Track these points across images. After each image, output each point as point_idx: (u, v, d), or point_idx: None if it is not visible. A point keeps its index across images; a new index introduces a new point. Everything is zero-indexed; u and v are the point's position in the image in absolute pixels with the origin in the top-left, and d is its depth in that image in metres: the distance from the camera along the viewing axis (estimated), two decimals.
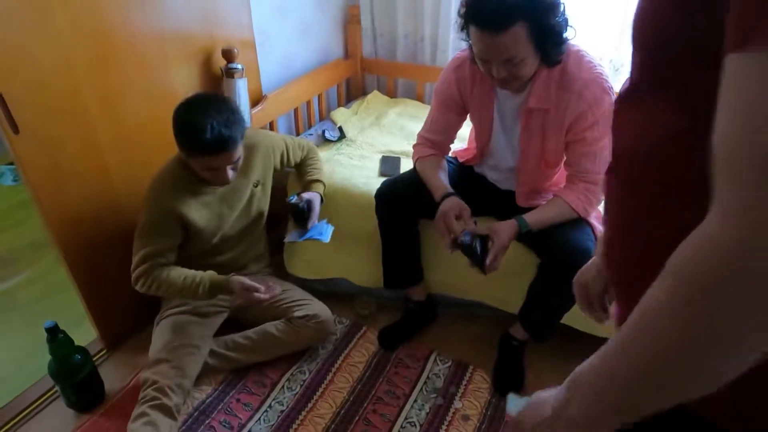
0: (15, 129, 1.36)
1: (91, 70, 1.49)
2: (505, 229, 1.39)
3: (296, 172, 1.91)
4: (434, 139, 1.64)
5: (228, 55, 1.83)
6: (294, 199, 1.72)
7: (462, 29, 1.30)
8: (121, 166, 1.66)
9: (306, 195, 1.74)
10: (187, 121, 1.37)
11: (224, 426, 1.52)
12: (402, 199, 1.64)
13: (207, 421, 1.53)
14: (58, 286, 2.11)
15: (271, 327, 1.67)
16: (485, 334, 1.81)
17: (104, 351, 1.79)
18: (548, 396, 0.59)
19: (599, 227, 1.50)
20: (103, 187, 1.63)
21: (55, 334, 1.46)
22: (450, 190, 1.54)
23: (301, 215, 1.71)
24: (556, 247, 1.41)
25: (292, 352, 1.72)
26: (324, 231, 1.75)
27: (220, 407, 1.58)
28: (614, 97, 1.33)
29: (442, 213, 1.47)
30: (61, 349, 1.49)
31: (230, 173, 1.46)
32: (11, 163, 3.00)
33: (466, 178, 1.68)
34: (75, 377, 1.52)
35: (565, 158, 1.48)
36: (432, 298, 1.86)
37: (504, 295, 1.72)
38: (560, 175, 1.56)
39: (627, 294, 0.63)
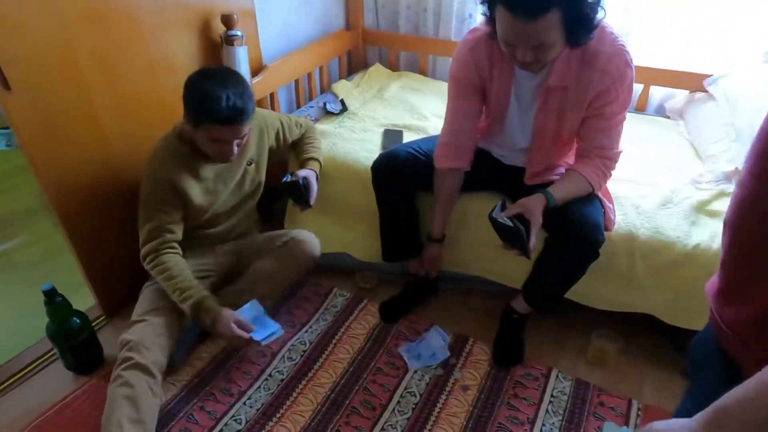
0: (6, 85, 1.32)
1: (85, 29, 1.44)
2: (537, 205, 1.35)
3: (293, 150, 1.87)
4: (457, 143, 1.54)
5: (227, 21, 1.78)
6: (288, 178, 1.66)
7: (484, 2, 1.25)
8: (119, 129, 1.62)
9: (301, 172, 1.69)
10: (202, 88, 1.34)
11: (224, 393, 1.53)
12: (399, 171, 1.62)
13: (206, 388, 1.54)
14: (55, 251, 2.10)
15: (259, 263, 1.66)
16: (485, 307, 1.82)
17: (103, 317, 1.78)
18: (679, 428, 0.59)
19: (608, 203, 1.50)
20: (101, 149, 1.60)
21: (52, 296, 1.45)
22: (440, 235, 1.67)
23: (299, 193, 1.66)
24: (570, 222, 1.39)
25: (287, 284, 1.74)
26: (267, 333, 1.53)
27: (220, 374, 1.58)
28: (633, 69, 1.32)
29: (424, 260, 1.71)
30: (59, 312, 1.48)
31: (235, 149, 1.43)
32: (4, 128, 2.94)
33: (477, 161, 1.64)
34: (73, 340, 1.52)
35: (577, 132, 1.46)
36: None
37: (505, 270, 1.73)
38: (570, 152, 1.55)
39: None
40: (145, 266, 1.48)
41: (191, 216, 1.55)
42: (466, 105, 1.52)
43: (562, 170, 1.54)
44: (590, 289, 1.61)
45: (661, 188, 1.70)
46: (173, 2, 1.65)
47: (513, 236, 1.34)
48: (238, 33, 1.80)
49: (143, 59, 1.62)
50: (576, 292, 1.62)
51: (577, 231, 1.39)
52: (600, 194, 1.48)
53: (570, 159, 1.57)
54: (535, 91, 1.41)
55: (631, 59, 1.32)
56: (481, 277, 1.82)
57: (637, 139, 1.94)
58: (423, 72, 2.60)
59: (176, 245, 1.51)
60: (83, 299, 1.74)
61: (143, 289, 1.61)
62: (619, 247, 1.55)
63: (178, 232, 1.51)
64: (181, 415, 1.47)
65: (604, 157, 1.41)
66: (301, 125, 1.84)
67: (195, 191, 1.50)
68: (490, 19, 1.28)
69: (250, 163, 1.64)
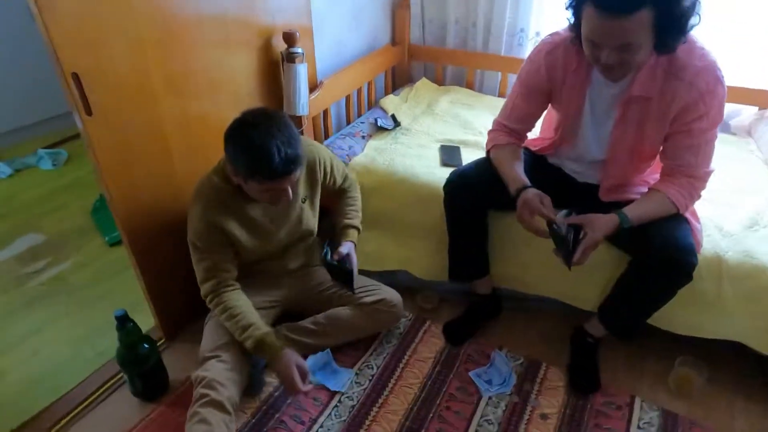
0: (88, 111, 1.31)
1: (159, 51, 1.43)
2: (604, 223, 1.31)
3: (334, 207, 1.76)
4: (513, 128, 1.55)
5: (289, 38, 1.76)
6: (328, 253, 1.61)
7: (570, 6, 1.21)
8: (183, 151, 1.61)
9: (343, 249, 1.62)
10: (249, 143, 1.25)
11: (295, 420, 1.48)
12: (473, 189, 1.57)
13: (277, 416, 1.49)
14: (108, 272, 2.10)
15: (342, 311, 1.63)
16: (553, 330, 1.76)
17: (163, 340, 1.75)
18: None
19: (696, 224, 1.44)
20: (166, 171, 1.58)
21: (124, 322, 1.42)
22: (528, 182, 1.45)
23: (348, 279, 1.61)
24: (656, 244, 1.33)
25: (360, 338, 1.70)
26: (343, 381, 1.58)
27: (289, 402, 1.53)
28: (725, 87, 1.26)
29: (524, 202, 1.38)
30: (129, 338, 1.45)
31: (290, 194, 1.38)
32: (50, 147, 2.97)
33: (540, 168, 1.59)
34: (142, 366, 1.48)
35: (662, 149, 1.40)
36: (496, 293, 1.81)
37: (576, 291, 1.67)
38: (650, 168, 1.49)
39: None
40: (208, 305, 1.47)
41: (244, 254, 1.52)
42: (528, 106, 1.51)
43: (642, 189, 1.48)
44: (671, 313, 1.53)
45: (743, 209, 1.63)
46: (235, 20, 1.64)
47: (558, 240, 1.32)
48: (299, 50, 1.78)
49: (206, 78, 1.61)
50: (655, 316, 1.55)
51: (667, 254, 1.32)
52: (687, 214, 1.42)
53: (648, 177, 1.51)
54: (614, 102, 1.35)
55: (722, 76, 1.25)
56: (550, 298, 1.76)
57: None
58: (470, 86, 2.56)
59: (234, 282, 1.48)
60: (140, 322, 1.71)
61: (207, 320, 1.58)
62: (705, 271, 1.47)
63: (233, 270, 1.49)
64: None
65: (691, 176, 1.34)
66: (346, 174, 1.75)
67: (242, 233, 1.47)
68: (574, 26, 1.24)
69: (304, 200, 1.59)
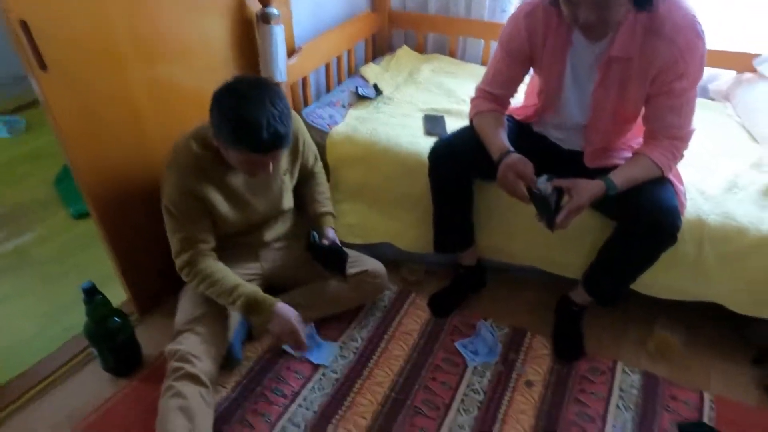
0: (41, 64, 1.19)
1: (123, 10, 1.32)
2: (589, 188, 1.29)
3: (301, 190, 1.67)
4: (496, 93, 1.51)
5: None
6: (316, 238, 1.54)
7: None
8: (154, 117, 1.51)
9: (330, 234, 1.58)
10: (238, 112, 1.17)
11: (276, 394, 1.44)
12: (458, 158, 1.53)
13: (257, 389, 1.45)
14: (74, 246, 1.99)
15: (325, 283, 1.59)
16: (538, 299, 1.76)
17: (136, 315, 1.67)
18: None
19: (679, 186, 1.43)
20: (136, 137, 1.48)
21: (92, 294, 1.34)
22: (509, 148, 1.41)
23: (340, 260, 1.54)
24: (641, 207, 1.32)
25: (345, 311, 1.66)
26: (327, 354, 1.56)
27: (270, 375, 1.49)
28: (705, 43, 1.24)
29: (506, 167, 1.35)
30: (98, 311, 1.38)
31: (270, 169, 1.31)
32: (4, 113, 2.78)
33: (525, 137, 1.56)
34: (113, 340, 1.42)
35: (644, 112, 1.38)
36: (481, 264, 1.79)
37: (561, 259, 1.66)
38: (632, 132, 1.48)
39: None
40: (184, 278, 1.39)
41: (222, 225, 1.44)
42: (510, 70, 1.47)
43: (626, 154, 1.47)
44: (652, 278, 1.54)
45: (722, 173, 1.64)
46: None
47: (541, 202, 1.30)
48: (275, 11, 1.68)
49: (177, 41, 1.50)
50: (637, 281, 1.56)
51: (652, 217, 1.32)
52: (671, 177, 1.42)
53: (632, 141, 1.50)
54: (594, 63, 1.33)
55: (702, 31, 1.23)
56: (531, 266, 1.75)
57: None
58: (453, 54, 2.50)
59: (211, 252, 1.40)
60: (111, 297, 1.63)
61: (182, 294, 1.51)
62: (687, 234, 1.48)
63: (211, 240, 1.40)
64: (235, 418, 1.38)
65: (674, 137, 1.34)
66: (317, 159, 1.68)
67: (220, 202, 1.39)
68: None
69: (285, 173, 1.53)
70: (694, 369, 1.55)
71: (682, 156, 1.38)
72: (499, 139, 1.43)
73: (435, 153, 1.55)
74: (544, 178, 1.32)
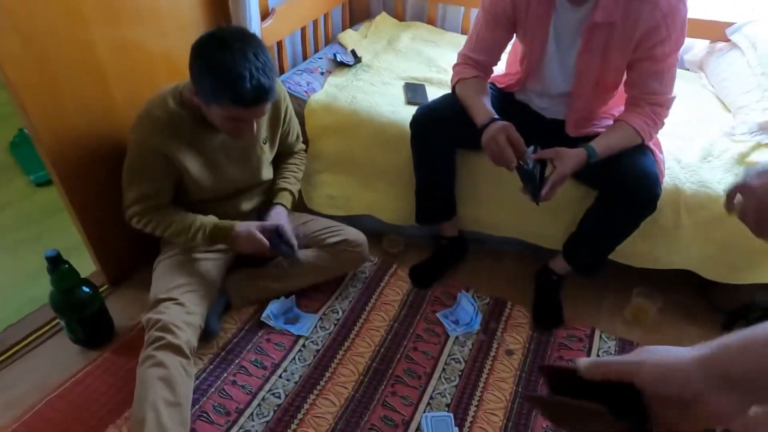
0: None
1: None
2: (571, 156, 1.29)
3: (276, 165, 1.61)
4: (479, 59, 1.48)
5: None
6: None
7: None
8: (122, 79, 1.42)
9: (275, 214, 1.48)
10: (220, 63, 1.11)
11: (256, 365, 1.41)
12: (441, 127, 1.50)
13: (237, 361, 1.42)
14: (35, 215, 1.89)
15: (304, 253, 1.54)
16: (517, 269, 1.77)
17: (106, 286, 1.60)
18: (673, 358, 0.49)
19: (659, 154, 1.45)
20: (100, 94, 1.39)
21: (57, 264, 1.27)
22: (495, 115, 1.39)
23: (284, 249, 1.46)
24: (622, 175, 1.33)
25: (326, 280, 1.63)
26: (306, 326, 1.53)
27: (249, 347, 1.46)
28: (687, 6, 1.24)
29: (491, 135, 1.32)
30: (65, 281, 1.31)
31: (254, 128, 1.26)
32: None
33: (507, 106, 1.53)
34: (82, 311, 1.35)
35: (625, 79, 1.37)
36: (462, 235, 1.78)
37: (542, 230, 1.67)
38: (614, 100, 1.48)
39: None
40: (135, 225, 1.36)
41: (193, 191, 1.39)
42: (493, 35, 1.44)
43: (608, 122, 1.47)
44: (630, 247, 1.57)
45: (698, 141, 1.66)
46: None
47: (526, 176, 1.30)
48: None
49: (144, 0, 1.41)
50: (615, 251, 1.58)
51: (633, 184, 1.33)
52: (651, 145, 1.43)
53: (614, 109, 1.50)
54: (578, 29, 1.32)
55: None
56: (511, 238, 1.75)
57: None
58: (432, 22, 2.44)
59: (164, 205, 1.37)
60: (80, 267, 1.55)
61: (157, 264, 1.46)
62: (665, 202, 1.50)
63: (167, 199, 1.37)
64: (213, 390, 1.35)
65: (655, 103, 1.34)
66: (299, 137, 1.64)
67: (193, 164, 1.34)
68: None
69: (265, 142, 1.47)
70: (666, 334, 1.60)
71: (662, 123, 1.38)
72: (483, 105, 1.41)
73: (417, 121, 1.51)
74: (530, 150, 1.31)
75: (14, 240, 1.78)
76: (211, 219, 1.39)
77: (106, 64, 1.37)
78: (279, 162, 1.61)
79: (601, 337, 1.56)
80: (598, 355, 1.51)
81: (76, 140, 1.37)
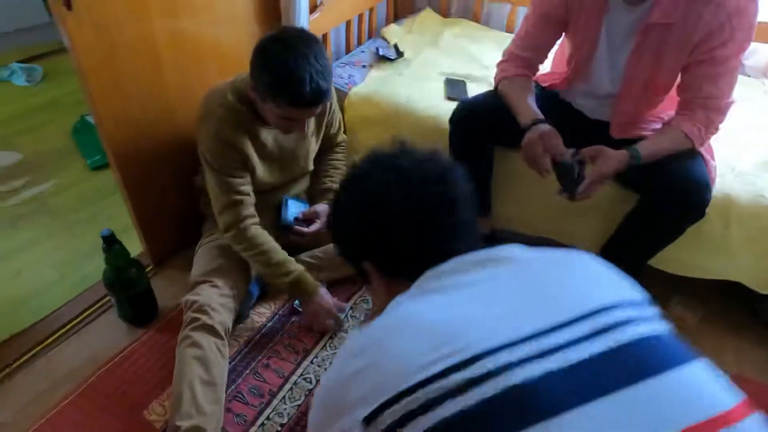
0: (68, 4, 1.17)
1: None
2: (614, 156, 1.26)
3: (320, 157, 1.64)
4: (525, 56, 1.46)
5: None
6: (287, 215, 1.51)
7: None
8: (176, 67, 1.49)
9: (319, 208, 1.52)
10: (283, 63, 1.15)
11: (289, 350, 1.46)
12: (480, 123, 1.49)
13: (270, 345, 1.47)
14: (91, 197, 2.00)
15: None
16: None
17: (151, 267, 1.69)
18: None
19: (711, 161, 1.40)
20: (157, 84, 1.46)
21: (111, 243, 1.35)
22: (540, 116, 1.37)
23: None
24: (670, 178, 1.29)
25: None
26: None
27: (282, 332, 1.51)
28: (758, 4, 1.17)
29: (536, 136, 1.31)
30: (117, 260, 1.39)
31: (306, 127, 1.31)
32: (22, 61, 2.76)
33: (550, 105, 1.50)
34: (130, 290, 1.43)
35: (679, 81, 1.32)
36: (495, 234, 1.78)
37: (578, 231, 1.64)
38: (665, 104, 1.43)
39: None
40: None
41: (252, 182, 1.44)
42: (542, 33, 1.41)
43: (655, 125, 1.43)
44: (673, 254, 1.52)
45: (755, 150, 1.59)
46: None
47: (563, 171, 1.28)
48: None
49: None
50: (656, 257, 1.54)
51: (681, 188, 1.29)
52: (702, 150, 1.38)
53: (662, 113, 1.45)
54: (632, 29, 1.27)
55: None
56: (550, 238, 1.73)
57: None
58: (476, 19, 2.43)
59: (255, 212, 1.41)
60: (132, 249, 1.66)
61: (199, 247, 1.52)
62: (713, 210, 1.44)
63: (251, 194, 1.41)
64: (248, 372, 1.40)
65: (710, 108, 1.28)
66: (341, 128, 1.66)
67: (254, 155, 1.39)
68: None
69: (312, 135, 1.51)
70: (706, 347, 1.53)
71: (717, 129, 1.32)
72: (529, 106, 1.39)
73: (457, 117, 1.52)
74: (571, 151, 1.30)
75: (71, 220, 1.89)
76: (299, 269, 1.41)
77: (163, 53, 1.44)
78: (322, 155, 1.65)
79: None
80: None
81: (133, 126, 1.45)
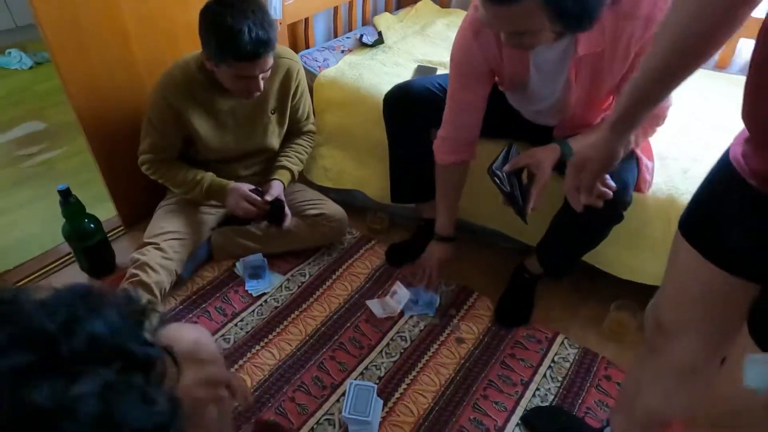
0: None
1: None
2: (548, 156, 1.21)
3: (284, 143, 1.71)
4: (458, 138, 1.37)
5: None
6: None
7: None
8: (142, 38, 1.61)
9: (273, 189, 1.57)
10: (221, 24, 1.25)
11: (218, 312, 1.55)
12: (416, 106, 1.48)
13: (203, 305, 1.56)
14: (92, 164, 2.18)
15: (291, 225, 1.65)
16: (498, 264, 1.70)
17: (121, 228, 1.84)
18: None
19: (647, 161, 1.31)
20: (124, 56, 1.60)
21: (67, 197, 1.50)
22: (450, 233, 1.50)
23: (279, 215, 1.56)
24: None
25: (303, 249, 1.72)
26: (263, 285, 1.62)
27: (218, 295, 1.60)
28: None
29: (424, 261, 1.53)
30: (72, 213, 1.54)
31: (261, 84, 1.38)
32: None
33: (498, 99, 1.42)
34: (86, 242, 1.58)
35: (616, 87, 1.24)
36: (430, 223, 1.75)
37: (523, 225, 1.58)
38: (609, 106, 1.35)
39: None
40: (145, 172, 1.54)
41: (200, 150, 1.55)
42: (471, 97, 1.33)
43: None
44: (616, 256, 1.46)
45: (718, 152, 1.46)
46: None
47: (508, 198, 1.23)
48: None
49: None
50: (599, 258, 1.47)
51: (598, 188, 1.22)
52: (638, 150, 1.30)
53: (606, 113, 1.37)
54: (562, 59, 1.19)
55: None
56: (500, 231, 1.69)
57: (708, 99, 1.69)
58: None
59: (171, 157, 1.55)
60: (109, 212, 1.82)
61: (158, 208, 1.64)
62: (654, 213, 1.37)
63: (175, 155, 1.55)
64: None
65: (651, 114, 1.21)
66: (309, 118, 1.72)
67: (202, 124, 1.48)
68: None
69: (273, 112, 1.58)
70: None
71: (654, 131, 1.26)
72: (446, 212, 1.49)
73: (389, 96, 1.53)
74: (500, 158, 1.24)
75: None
76: (209, 175, 1.54)
77: (130, 30, 1.57)
78: (287, 140, 1.72)
79: (563, 343, 1.46)
80: (553, 360, 1.42)
81: (100, 94, 1.59)
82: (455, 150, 1.40)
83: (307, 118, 1.72)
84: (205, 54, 1.35)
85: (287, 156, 1.70)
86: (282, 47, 1.56)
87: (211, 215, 1.67)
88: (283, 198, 1.59)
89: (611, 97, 1.31)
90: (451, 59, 1.32)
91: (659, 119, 1.23)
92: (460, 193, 1.48)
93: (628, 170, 1.25)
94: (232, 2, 1.27)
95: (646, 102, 0.77)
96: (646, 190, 1.34)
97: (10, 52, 2.97)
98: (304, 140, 1.75)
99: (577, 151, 0.91)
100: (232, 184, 1.54)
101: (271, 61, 1.36)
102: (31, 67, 2.96)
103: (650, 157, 1.35)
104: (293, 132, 1.72)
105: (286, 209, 1.58)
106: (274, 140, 1.66)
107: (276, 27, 1.33)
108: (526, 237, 1.61)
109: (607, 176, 0.99)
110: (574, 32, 1.08)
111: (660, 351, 0.91)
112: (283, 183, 1.63)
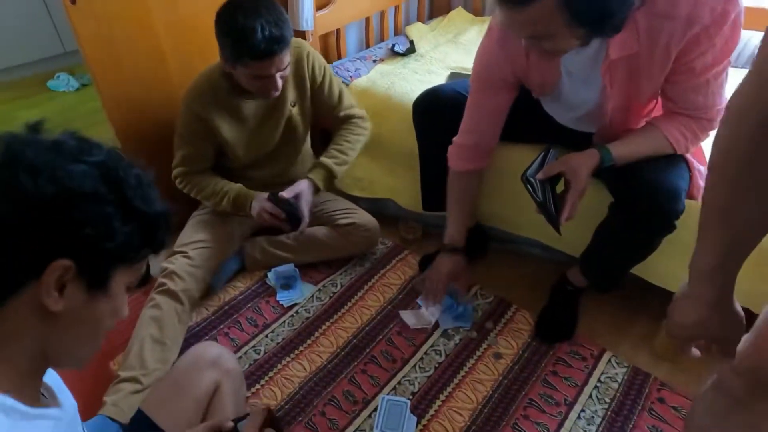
0: None
1: None
2: (584, 163, 1.13)
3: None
4: (476, 144, 1.34)
5: None
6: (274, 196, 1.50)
7: None
8: (176, 52, 1.64)
9: (299, 187, 1.51)
10: (234, 22, 1.25)
11: (249, 323, 1.52)
12: (446, 112, 1.42)
13: (234, 316, 1.54)
14: None
15: (318, 230, 1.64)
16: (537, 275, 1.62)
17: None
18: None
19: (698, 165, 1.22)
20: (157, 71, 1.62)
21: None
22: (459, 243, 1.41)
23: (293, 221, 1.49)
24: (639, 184, 1.14)
25: (335, 259, 1.69)
26: (294, 296, 1.59)
27: (249, 305, 1.58)
28: (740, 3, 1.00)
29: (431, 273, 1.43)
30: None
31: (279, 82, 1.36)
32: None
33: (529, 107, 1.36)
34: None
35: (661, 89, 1.15)
36: (482, 230, 1.70)
37: (564, 235, 1.50)
38: (655, 109, 1.27)
39: None
40: (177, 185, 1.54)
41: (231, 155, 1.54)
42: (491, 105, 1.28)
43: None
44: (668, 269, 1.35)
45: None
46: None
47: (540, 208, 1.16)
48: None
49: None
50: (649, 271, 1.38)
51: (646, 196, 1.13)
52: (689, 155, 1.21)
53: (652, 116, 1.29)
54: (593, 65, 1.12)
55: None
56: (538, 241, 1.61)
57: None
58: None
59: (203, 169, 1.55)
60: None
61: (191, 219, 1.65)
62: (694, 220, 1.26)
63: (208, 165, 1.55)
64: (206, 338, 1.49)
65: (698, 118, 1.12)
66: (346, 101, 1.63)
67: (229, 130, 1.48)
68: None
69: (293, 105, 1.57)
70: (701, 375, 1.33)
71: (707, 136, 1.16)
72: (457, 222, 1.41)
73: (418, 102, 1.49)
74: (536, 164, 1.17)
75: None
76: (237, 186, 1.53)
77: (164, 42, 1.60)
78: (335, 130, 1.66)
79: (610, 361, 1.36)
80: (599, 380, 1.32)
81: (137, 109, 1.62)
82: (471, 158, 1.35)
83: (342, 100, 1.63)
84: (222, 57, 1.35)
85: (326, 151, 1.63)
86: (297, 40, 1.53)
87: (243, 226, 1.67)
88: (300, 199, 1.50)
89: (654, 102, 1.23)
90: (473, 66, 1.28)
91: (710, 123, 1.14)
92: (473, 202, 1.42)
93: (680, 176, 1.16)
94: (244, 2, 1.28)
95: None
96: (698, 197, 1.25)
97: (59, 76, 3.11)
98: (352, 126, 1.64)
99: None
100: (256, 196, 1.52)
101: (287, 59, 1.34)
102: (77, 89, 3.08)
103: (703, 162, 1.25)
104: (335, 122, 1.66)
105: (301, 211, 1.49)
106: (300, 132, 1.61)
107: (290, 24, 1.32)
108: (566, 246, 1.53)
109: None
110: (601, 37, 1.01)
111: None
112: (313, 182, 1.55)
